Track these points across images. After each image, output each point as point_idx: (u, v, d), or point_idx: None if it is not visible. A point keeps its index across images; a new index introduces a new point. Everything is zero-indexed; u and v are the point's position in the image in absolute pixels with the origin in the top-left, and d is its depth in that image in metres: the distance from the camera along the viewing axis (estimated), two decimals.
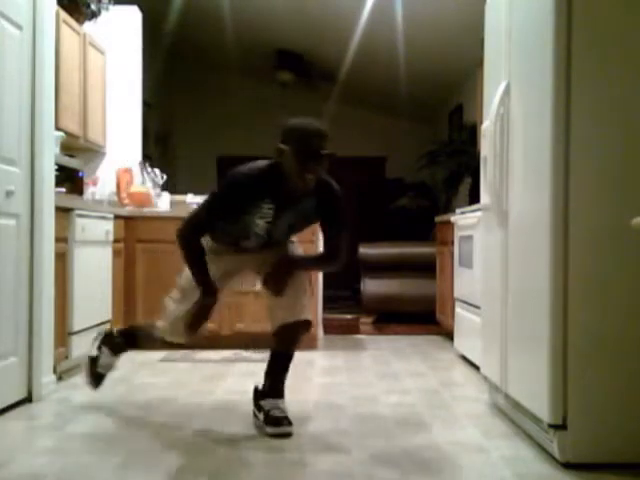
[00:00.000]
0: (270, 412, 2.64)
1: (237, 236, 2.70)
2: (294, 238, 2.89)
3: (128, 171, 5.04)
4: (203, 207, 2.65)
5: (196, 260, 2.64)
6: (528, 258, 2.49)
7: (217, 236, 2.73)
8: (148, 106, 6.58)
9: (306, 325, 2.72)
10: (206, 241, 2.72)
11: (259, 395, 2.78)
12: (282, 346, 2.74)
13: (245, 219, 2.60)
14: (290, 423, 2.61)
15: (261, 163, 2.62)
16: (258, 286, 2.81)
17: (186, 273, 2.74)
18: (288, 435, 2.57)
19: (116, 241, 4.32)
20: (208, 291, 2.63)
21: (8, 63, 2.94)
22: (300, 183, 2.52)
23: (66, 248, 3.59)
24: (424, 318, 5.71)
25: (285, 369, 2.74)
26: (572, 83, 2.25)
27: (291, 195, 2.58)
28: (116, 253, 4.33)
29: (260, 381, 2.79)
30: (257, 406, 2.77)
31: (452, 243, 4.61)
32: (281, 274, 2.65)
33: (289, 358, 2.74)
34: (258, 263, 2.78)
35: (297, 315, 2.67)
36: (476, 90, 5.08)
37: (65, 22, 4.25)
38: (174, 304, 2.78)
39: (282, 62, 8.12)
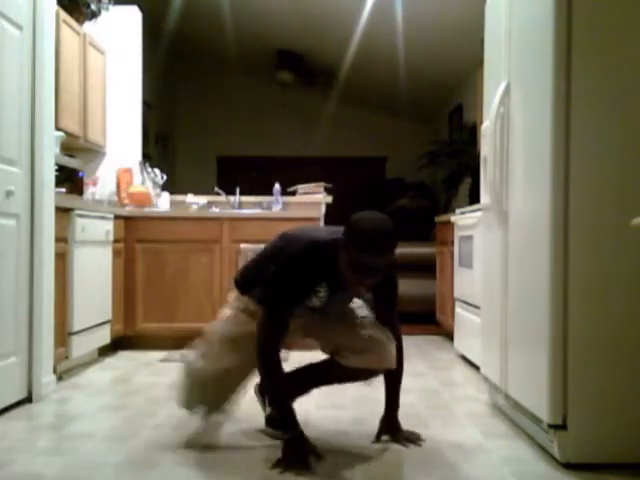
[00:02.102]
0: (271, 413, 2.60)
1: None
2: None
3: (128, 171, 5.04)
4: (272, 304, 2.31)
5: (277, 382, 2.34)
6: (528, 258, 2.49)
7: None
8: (148, 106, 6.58)
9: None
10: (246, 303, 2.48)
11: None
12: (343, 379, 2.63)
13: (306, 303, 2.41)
14: None
15: (321, 238, 2.33)
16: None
17: (221, 328, 2.52)
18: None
19: (116, 241, 4.32)
20: (289, 423, 2.28)
21: (8, 63, 2.94)
22: (351, 289, 2.31)
23: (66, 248, 3.59)
24: (424, 318, 5.71)
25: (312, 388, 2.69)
26: (572, 83, 2.25)
27: (344, 282, 2.29)
28: (116, 253, 4.33)
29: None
30: (263, 396, 2.65)
31: (452, 243, 4.61)
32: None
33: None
34: (304, 327, 2.55)
35: (383, 363, 2.46)
36: (476, 90, 5.08)
37: (65, 22, 4.26)
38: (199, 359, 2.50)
39: (282, 62, 8.13)
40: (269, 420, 2.59)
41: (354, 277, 2.20)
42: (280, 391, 2.35)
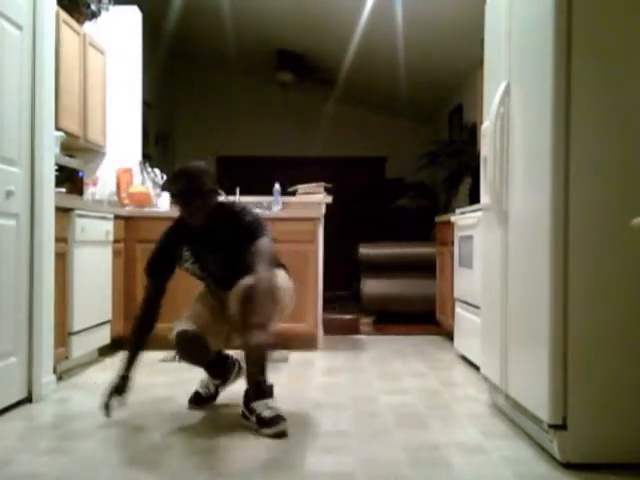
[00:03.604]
0: (262, 414, 2.63)
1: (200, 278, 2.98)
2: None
3: (128, 171, 5.04)
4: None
5: (138, 322, 2.85)
6: (528, 258, 2.49)
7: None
8: (148, 106, 6.58)
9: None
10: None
11: (246, 397, 2.77)
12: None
13: (184, 268, 2.89)
14: (284, 419, 2.61)
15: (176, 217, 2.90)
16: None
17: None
18: (284, 433, 2.57)
19: (116, 241, 4.32)
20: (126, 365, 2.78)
21: (8, 63, 2.94)
22: (189, 221, 2.74)
23: (66, 248, 3.59)
24: (424, 318, 5.71)
25: (262, 369, 2.74)
26: (572, 83, 2.25)
27: (198, 233, 2.78)
28: (116, 253, 4.33)
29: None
30: (247, 409, 2.74)
31: (452, 243, 4.61)
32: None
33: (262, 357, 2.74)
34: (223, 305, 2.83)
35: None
36: (476, 90, 5.08)
37: (65, 22, 4.26)
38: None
39: (282, 62, 8.13)
40: (260, 422, 2.64)
41: (178, 207, 2.74)
42: (132, 344, 2.82)
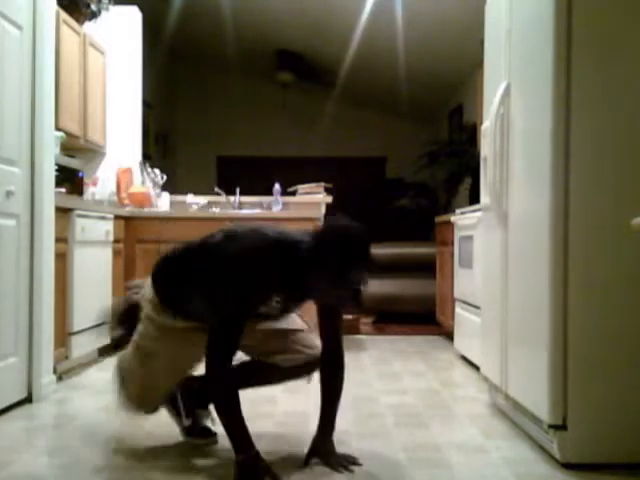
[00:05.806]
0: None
1: None
2: None
3: (128, 171, 5.04)
4: (224, 322, 2.06)
5: (233, 404, 2.08)
6: (528, 258, 2.49)
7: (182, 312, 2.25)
8: (148, 106, 6.58)
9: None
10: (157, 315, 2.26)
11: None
12: None
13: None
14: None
15: (284, 238, 2.11)
16: None
17: (146, 330, 2.30)
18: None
19: (116, 241, 4.32)
20: (244, 444, 2.06)
21: (8, 63, 2.94)
22: (327, 298, 2.14)
23: (66, 248, 3.59)
24: (424, 318, 5.71)
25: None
26: (572, 83, 2.25)
27: (303, 287, 2.13)
28: (116, 253, 4.33)
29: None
30: (174, 406, 2.53)
31: (452, 243, 4.61)
32: None
33: None
34: None
35: None
36: (476, 90, 5.08)
37: (65, 22, 4.25)
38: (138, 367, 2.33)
39: (282, 62, 8.13)
40: (189, 430, 2.49)
41: (339, 291, 2.08)
42: (237, 413, 2.07)
